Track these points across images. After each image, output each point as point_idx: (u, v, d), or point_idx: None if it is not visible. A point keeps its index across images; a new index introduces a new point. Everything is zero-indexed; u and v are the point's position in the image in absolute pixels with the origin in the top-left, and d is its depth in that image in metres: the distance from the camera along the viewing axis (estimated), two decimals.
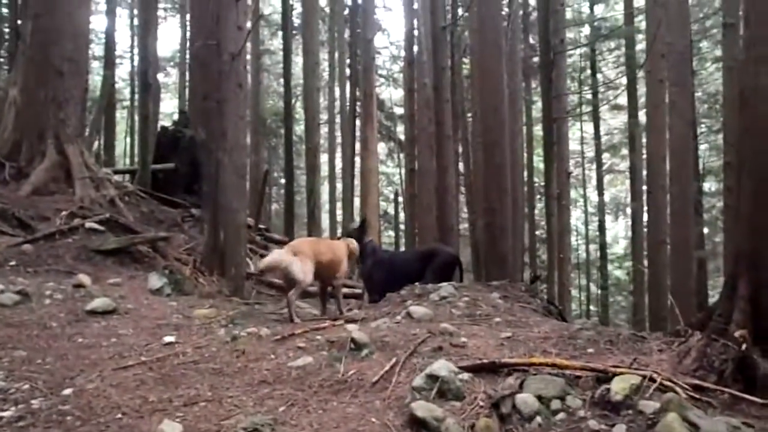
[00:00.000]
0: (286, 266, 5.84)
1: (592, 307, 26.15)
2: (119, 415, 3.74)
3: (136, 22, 24.28)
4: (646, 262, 14.56)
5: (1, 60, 20.86)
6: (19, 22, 15.64)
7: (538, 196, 21.68)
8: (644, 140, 17.01)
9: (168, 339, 4.98)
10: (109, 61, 19.86)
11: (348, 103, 22.49)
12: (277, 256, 6.00)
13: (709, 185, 22.44)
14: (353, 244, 6.87)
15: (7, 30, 20.21)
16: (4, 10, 20.47)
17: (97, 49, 23.75)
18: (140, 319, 5.59)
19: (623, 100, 21.63)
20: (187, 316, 5.73)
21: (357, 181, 21.73)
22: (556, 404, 3.81)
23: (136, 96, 21.05)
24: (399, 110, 26.60)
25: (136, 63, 23.70)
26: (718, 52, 18.30)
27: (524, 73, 20.70)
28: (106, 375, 4.28)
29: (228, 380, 4.26)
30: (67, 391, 4.01)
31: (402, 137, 24.35)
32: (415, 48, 16.53)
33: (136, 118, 19.37)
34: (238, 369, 4.45)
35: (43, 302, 5.80)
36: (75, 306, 5.72)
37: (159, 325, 5.40)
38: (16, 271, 6.74)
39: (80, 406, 3.83)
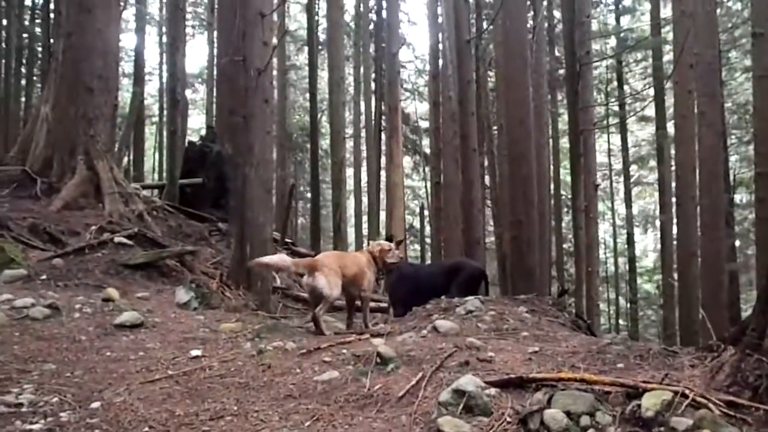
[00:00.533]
0: (311, 282, 5.85)
1: (621, 322, 25.80)
2: (146, 429, 3.75)
3: (164, 39, 24.69)
4: (676, 276, 14.32)
5: (35, 78, 21.34)
6: (51, 40, 16.00)
7: (566, 209, 21.52)
8: (673, 152, 16.80)
9: (195, 353, 5.00)
10: (139, 77, 20.22)
11: (373, 117, 22.58)
12: (278, 258, 6.15)
13: (741, 197, 22.07)
14: (378, 247, 6.65)
15: (40, 49, 20.70)
16: (38, 30, 20.98)
17: (126, 66, 24.21)
18: (167, 332, 5.62)
19: (650, 111, 21.42)
20: (214, 330, 5.75)
21: (383, 195, 21.76)
22: (585, 420, 3.74)
23: (165, 112, 21.36)
24: (424, 124, 26.64)
25: (164, 79, 24.08)
26: (748, 62, 18.06)
27: (550, 86, 20.60)
28: (134, 388, 4.30)
29: (254, 394, 4.25)
30: (96, 405, 4.03)
31: (427, 151, 24.37)
32: (440, 61, 16.56)
33: (165, 133, 19.64)
34: (264, 383, 4.44)
35: (72, 316, 5.87)
36: (104, 320, 5.77)
37: (186, 339, 5.42)
38: (47, 285, 6.85)
39: (108, 419, 3.85)
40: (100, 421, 3.82)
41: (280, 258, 6.24)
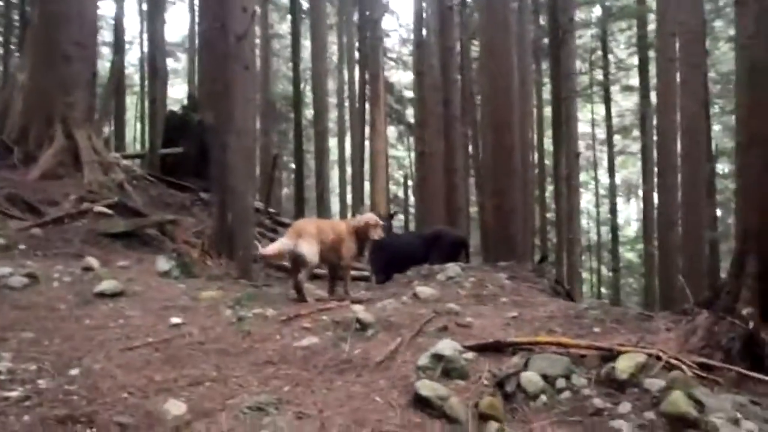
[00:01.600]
0: (293, 248, 5.73)
1: (603, 290, 26.08)
2: (125, 395, 3.75)
3: (144, 7, 24.25)
4: (657, 244, 14.47)
5: (12, 47, 20.94)
6: (27, 8, 15.68)
7: (549, 179, 21.57)
8: (655, 121, 16.85)
9: (175, 320, 4.99)
10: (118, 46, 19.89)
11: (357, 86, 22.40)
12: (282, 243, 5.90)
13: (723, 167, 22.20)
14: (360, 222, 6.31)
15: (17, 18, 20.29)
16: None
17: (106, 35, 23.77)
18: (148, 301, 5.60)
19: (635, 80, 21.41)
20: (195, 298, 5.73)
21: (367, 166, 21.70)
22: (561, 383, 3.80)
23: (146, 81, 21.07)
24: (409, 93, 26.48)
25: (145, 48, 23.71)
26: (732, 31, 18.04)
27: (534, 54, 20.51)
28: (113, 356, 4.30)
29: (233, 360, 4.27)
30: (74, 372, 4.03)
31: (412, 121, 24.26)
32: (424, 31, 16.41)
33: (146, 103, 19.40)
34: (244, 349, 4.45)
35: (51, 285, 5.82)
36: (83, 288, 5.74)
37: (166, 307, 5.40)
38: (26, 255, 6.79)
39: (87, 386, 3.84)
40: (78, 388, 3.82)
41: (281, 243, 5.94)
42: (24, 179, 8.92)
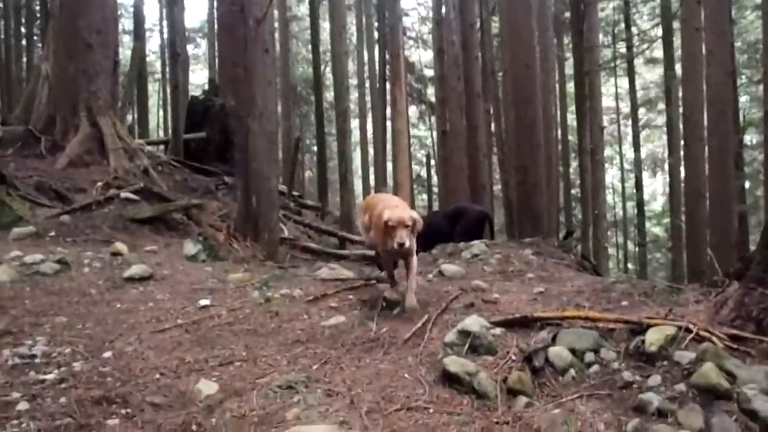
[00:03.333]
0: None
1: (630, 265, 25.87)
2: (157, 376, 3.82)
3: None
4: (684, 218, 14.28)
5: (35, 38, 21.15)
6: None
7: (573, 155, 21.36)
8: (681, 93, 16.55)
9: (203, 302, 5.05)
10: (139, 33, 19.98)
11: (377, 66, 22.29)
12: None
13: (750, 137, 21.79)
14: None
15: (38, 8, 20.47)
16: None
17: (126, 23, 23.90)
18: (176, 284, 5.67)
19: (659, 53, 21.02)
20: (222, 281, 5.79)
21: (389, 146, 21.64)
22: (589, 357, 3.78)
23: (167, 68, 21.18)
24: (429, 72, 26.31)
25: (165, 35, 23.81)
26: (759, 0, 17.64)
27: (555, 29, 20.21)
28: (144, 338, 4.37)
29: (262, 340, 4.31)
30: (107, 354, 4.10)
31: (433, 99, 24.12)
32: (443, 7, 16.24)
33: (167, 89, 19.51)
34: (272, 329, 4.50)
35: (82, 270, 5.92)
36: (113, 273, 5.83)
37: (194, 290, 5.47)
38: (56, 242, 6.90)
39: (120, 367, 3.92)
40: (112, 370, 3.89)
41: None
42: (51, 168, 9.06)
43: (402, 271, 5.02)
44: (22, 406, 3.52)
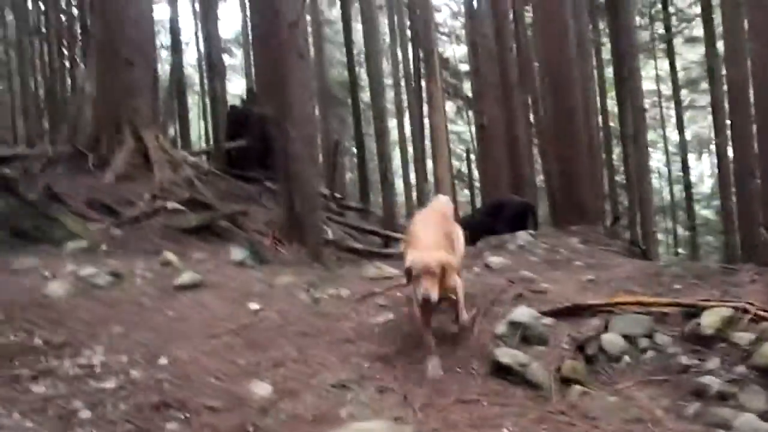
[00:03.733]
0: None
1: (680, 250, 25.26)
2: (212, 380, 3.89)
3: (197, 7, 24.68)
4: (735, 199, 13.90)
5: (77, 59, 21.71)
6: (88, 20, 16.22)
7: (615, 141, 20.98)
8: (724, 71, 16.10)
9: (253, 306, 5.12)
10: (176, 47, 20.30)
11: (412, 64, 22.25)
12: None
13: None
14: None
15: (79, 30, 21.01)
16: (74, 11, 21.27)
17: (163, 38, 24.34)
18: (226, 290, 5.74)
19: (698, 31, 20.49)
20: (270, 284, 5.85)
21: (428, 143, 21.56)
22: (643, 342, 3.73)
23: (205, 80, 21.50)
24: (464, 67, 26.16)
25: (201, 47, 24.17)
26: None
27: (590, 14, 19.88)
28: (198, 344, 4.44)
29: (313, 341, 4.35)
30: (163, 361, 4.18)
31: (469, 94, 23.97)
32: (474, 1, 16.15)
33: (207, 100, 19.82)
34: (322, 330, 4.54)
35: (134, 281, 6.03)
36: (164, 282, 5.92)
37: (244, 294, 5.53)
38: (108, 254, 7.03)
39: (175, 373, 4.00)
40: (168, 376, 3.97)
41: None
42: (100, 183, 9.25)
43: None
44: (84, 414, 3.62)
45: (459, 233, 4.50)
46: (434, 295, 3.67)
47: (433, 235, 4.10)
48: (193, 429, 3.41)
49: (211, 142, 14.33)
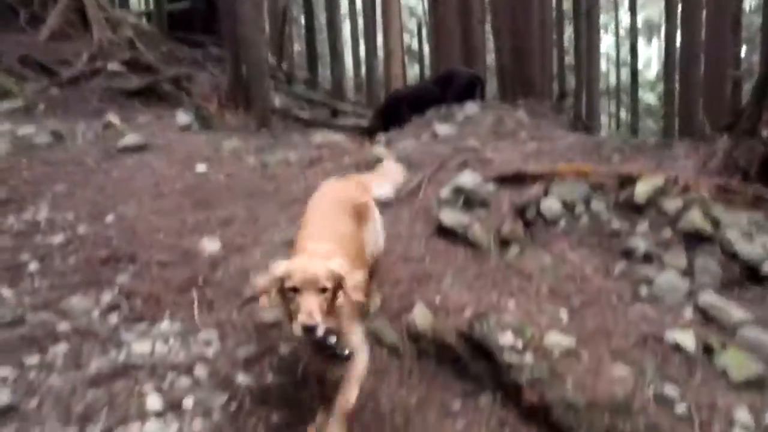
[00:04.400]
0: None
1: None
2: (161, 236, 3.93)
3: None
4: (677, 85, 14.13)
5: None
6: None
7: (568, 21, 20.78)
8: None
9: (200, 169, 5.11)
10: None
11: None
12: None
13: (750, 2, 21.18)
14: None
15: None
16: None
17: None
18: (172, 152, 5.69)
19: None
20: (217, 149, 5.81)
21: (379, 16, 20.94)
22: (580, 208, 3.90)
23: None
24: None
25: None
26: None
27: None
28: (145, 202, 4.45)
29: (261, 202, 4.41)
30: (110, 218, 4.20)
31: None
32: None
33: None
34: (270, 191, 4.59)
35: (76, 142, 5.91)
36: (107, 144, 5.82)
37: (190, 157, 5.50)
38: (46, 114, 6.83)
39: (123, 230, 4.03)
40: (116, 232, 4.00)
41: None
42: (34, 40, 8.79)
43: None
44: (33, 266, 3.65)
45: (378, 228, 3.06)
46: (319, 323, 2.16)
47: (331, 233, 2.64)
48: (145, 281, 3.48)
49: (152, 2, 13.58)
